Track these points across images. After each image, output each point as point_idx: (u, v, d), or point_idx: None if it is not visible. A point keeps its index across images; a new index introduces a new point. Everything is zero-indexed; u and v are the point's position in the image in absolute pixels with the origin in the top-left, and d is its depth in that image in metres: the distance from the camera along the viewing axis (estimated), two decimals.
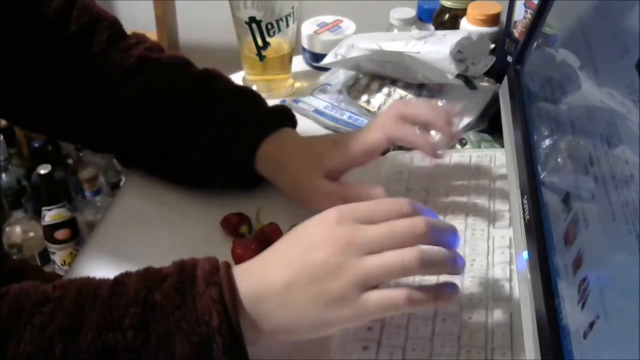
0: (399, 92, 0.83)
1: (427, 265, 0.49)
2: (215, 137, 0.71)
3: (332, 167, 0.67)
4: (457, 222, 0.66)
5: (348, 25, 0.97)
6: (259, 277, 0.51)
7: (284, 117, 0.74)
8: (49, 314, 0.49)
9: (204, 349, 0.47)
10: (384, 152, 0.72)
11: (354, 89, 0.86)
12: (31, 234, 1.53)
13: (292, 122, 0.75)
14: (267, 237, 0.66)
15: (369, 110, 0.83)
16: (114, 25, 0.75)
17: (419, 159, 0.76)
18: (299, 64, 0.97)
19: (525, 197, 0.59)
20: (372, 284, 0.49)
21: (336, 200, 0.64)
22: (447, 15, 0.94)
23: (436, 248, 0.50)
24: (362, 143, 0.67)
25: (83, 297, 0.49)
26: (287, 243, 0.53)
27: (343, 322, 0.50)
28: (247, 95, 0.75)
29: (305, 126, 0.81)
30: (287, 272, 0.50)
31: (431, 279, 0.55)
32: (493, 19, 0.87)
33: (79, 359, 0.47)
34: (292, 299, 0.49)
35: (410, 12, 0.95)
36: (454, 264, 0.50)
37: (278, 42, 0.88)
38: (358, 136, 0.68)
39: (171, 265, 0.52)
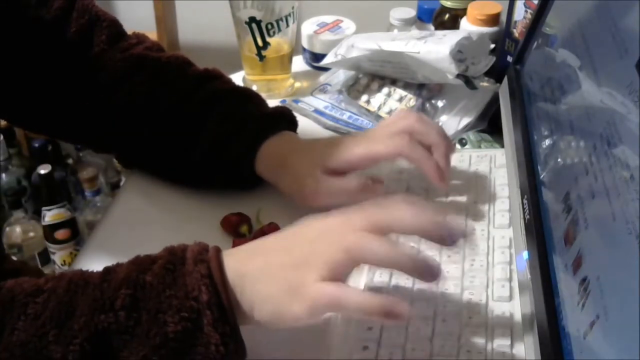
0: (399, 92, 0.83)
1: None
2: (215, 136, 0.71)
3: (334, 167, 0.67)
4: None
5: (348, 25, 0.97)
6: (245, 256, 0.52)
7: (285, 119, 0.74)
8: (42, 304, 0.49)
9: (195, 325, 0.48)
10: None
11: (354, 89, 0.86)
12: (31, 234, 1.53)
13: (293, 124, 0.75)
14: None
15: (369, 110, 0.83)
16: (114, 25, 0.75)
17: None
18: (299, 64, 0.97)
19: (525, 197, 0.59)
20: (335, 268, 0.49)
21: (339, 195, 0.65)
22: (447, 15, 0.94)
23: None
24: (370, 151, 0.67)
25: (74, 285, 0.50)
26: (287, 234, 0.53)
27: (303, 306, 0.49)
28: (248, 96, 0.75)
29: (305, 126, 0.81)
30: (273, 255, 0.51)
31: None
32: (493, 19, 0.87)
33: (72, 343, 0.48)
34: (267, 275, 0.50)
35: (410, 12, 0.95)
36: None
37: (278, 42, 0.88)
38: (366, 141, 0.67)
39: (161, 250, 0.53)
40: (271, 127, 0.71)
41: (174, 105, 0.72)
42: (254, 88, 0.89)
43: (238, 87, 0.76)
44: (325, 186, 0.66)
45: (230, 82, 0.76)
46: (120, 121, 0.73)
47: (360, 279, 0.61)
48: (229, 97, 0.73)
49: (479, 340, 0.54)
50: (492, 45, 0.83)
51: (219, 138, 0.71)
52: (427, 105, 0.81)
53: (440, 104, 0.81)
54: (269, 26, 0.86)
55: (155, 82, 0.73)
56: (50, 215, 1.45)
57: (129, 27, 0.78)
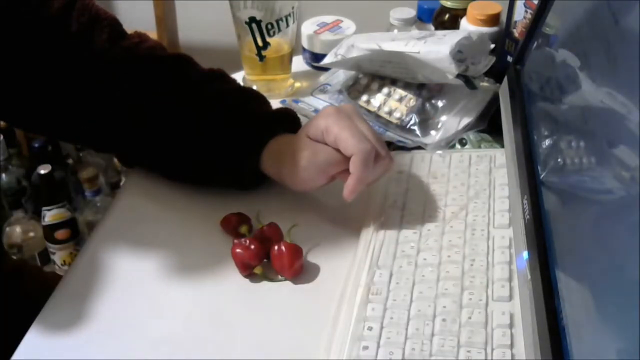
0: (399, 92, 0.83)
1: None
2: (220, 136, 0.71)
3: (312, 135, 0.67)
4: (457, 222, 0.66)
5: (348, 25, 0.97)
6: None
7: (289, 120, 0.74)
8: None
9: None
10: None
11: (354, 89, 0.86)
12: (31, 234, 1.53)
13: (298, 125, 0.75)
14: (267, 237, 0.66)
15: (369, 110, 0.83)
16: (114, 24, 0.75)
17: (418, 159, 0.76)
18: (299, 64, 0.97)
19: (525, 197, 0.59)
20: None
21: (337, 161, 0.66)
22: (447, 15, 0.94)
23: None
24: (339, 137, 0.65)
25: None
26: None
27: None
28: (253, 96, 0.75)
29: None
30: None
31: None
32: (493, 19, 0.87)
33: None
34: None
35: (410, 12, 0.95)
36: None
37: (278, 42, 0.88)
38: (345, 125, 0.65)
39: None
40: (275, 128, 0.71)
41: (178, 104, 0.72)
42: (254, 88, 0.89)
43: (243, 87, 0.76)
44: (323, 152, 0.66)
45: (234, 82, 0.76)
46: (123, 120, 0.73)
47: (361, 278, 0.61)
48: (234, 96, 0.74)
49: (479, 340, 0.54)
50: (492, 45, 0.83)
51: (224, 137, 0.71)
52: (427, 105, 0.81)
53: (440, 104, 0.81)
54: (269, 26, 0.86)
55: (158, 81, 0.73)
56: (50, 215, 1.45)
57: (129, 27, 0.77)
